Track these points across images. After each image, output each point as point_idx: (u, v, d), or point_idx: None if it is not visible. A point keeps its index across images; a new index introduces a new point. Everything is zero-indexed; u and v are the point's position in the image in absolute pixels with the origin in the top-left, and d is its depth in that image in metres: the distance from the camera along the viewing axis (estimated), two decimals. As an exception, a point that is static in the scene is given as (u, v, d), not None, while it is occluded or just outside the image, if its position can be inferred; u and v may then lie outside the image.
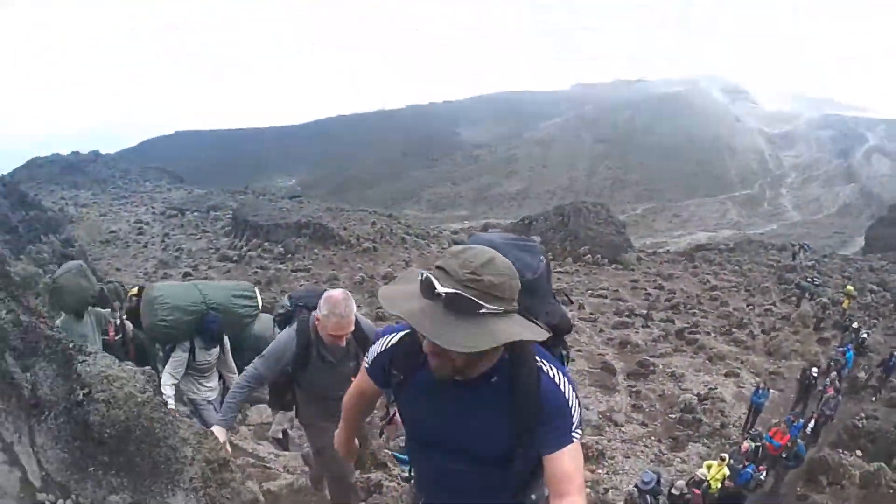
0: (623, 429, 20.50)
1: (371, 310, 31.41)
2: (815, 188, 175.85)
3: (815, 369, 22.43)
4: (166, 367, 6.73)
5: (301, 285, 38.22)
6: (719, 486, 14.40)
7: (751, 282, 47.27)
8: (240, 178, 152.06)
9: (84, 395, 3.78)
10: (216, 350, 7.02)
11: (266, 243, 49.43)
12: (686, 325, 32.85)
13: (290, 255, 46.79)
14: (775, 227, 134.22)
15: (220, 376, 7.39)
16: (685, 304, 38.33)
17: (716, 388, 24.17)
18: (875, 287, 45.33)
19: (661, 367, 26.17)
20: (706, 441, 20.40)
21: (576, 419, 2.23)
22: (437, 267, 2.04)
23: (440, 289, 1.94)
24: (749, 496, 15.46)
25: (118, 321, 8.46)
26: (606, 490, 16.34)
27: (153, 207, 70.99)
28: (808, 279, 42.02)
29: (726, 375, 26.17)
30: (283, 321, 5.18)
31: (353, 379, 4.66)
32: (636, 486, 13.88)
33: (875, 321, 36.94)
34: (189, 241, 53.35)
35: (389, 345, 2.57)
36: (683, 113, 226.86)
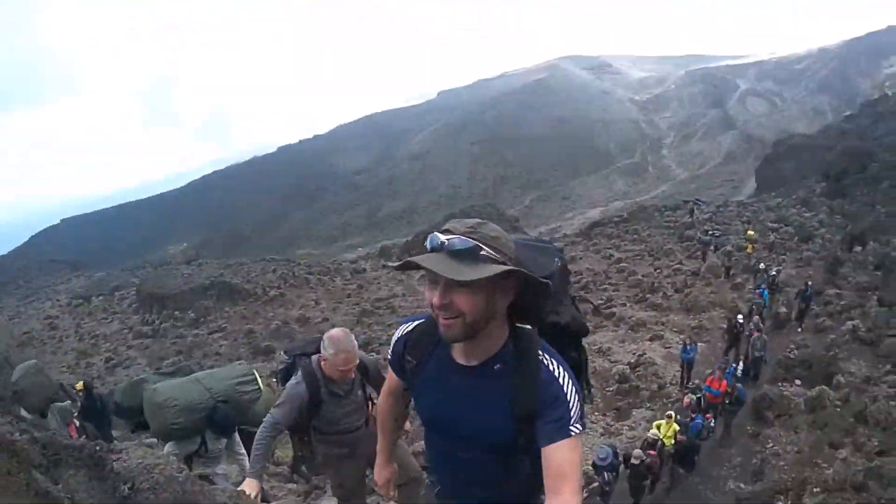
0: (566, 412, 20.83)
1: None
2: (696, 143, 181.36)
3: (739, 316, 23.35)
4: (171, 451, 6.69)
5: (221, 346, 38.66)
6: (673, 441, 14.87)
7: (653, 247, 48.88)
8: (133, 254, 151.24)
9: (129, 489, 3.98)
10: (225, 438, 7.11)
11: (177, 312, 49.23)
12: (601, 302, 33.59)
13: (202, 319, 46.72)
14: (665, 189, 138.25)
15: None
16: (594, 282, 39.39)
17: (644, 354, 24.94)
18: (775, 225, 47.13)
19: (586, 346, 26.64)
20: (648, 405, 21.18)
21: (574, 414, 2.27)
22: (443, 230, 2.21)
23: (443, 237, 2.15)
24: (703, 445, 16.01)
25: (77, 422, 8.43)
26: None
27: (58, 300, 69.48)
28: (709, 232, 43.51)
29: (651, 340, 27.05)
30: (285, 374, 5.42)
31: (365, 406, 5.42)
32: (593, 463, 14.22)
33: (783, 256, 38.71)
34: (102, 326, 52.26)
35: (405, 332, 2.72)
36: (550, 98, 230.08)
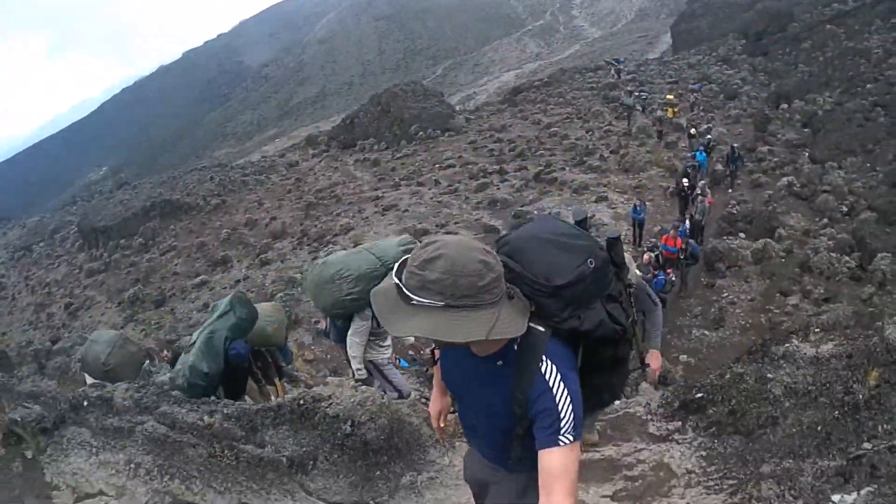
0: (527, 283, 21.85)
1: (253, 260, 32.43)
2: (607, 2, 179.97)
3: (685, 180, 23.90)
4: (350, 335, 6.87)
5: (176, 265, 38.35)
6: (640, 297, 16.07)
7: (580, 109, 49.54)
8: (57, 192, 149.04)
9: (350, 426, 5.05)
10: None
11: (123, 241, 47.86)
12: (540, 168, 34.50)
13: (151, 242, 45.76)
14: (578, 48, 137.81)
15: None
16: (529, 149, 40.12)
17: (593, 216, 25.78)
18: (696, 86, 48.21)
19: (535, 212, 27.44)
20: (606, 264, 22.14)
21: (565, 424, 2.28)
22: (401, 261, 2.33)
23: (393, 277, 2.28)
24: (666, 298, 17.38)
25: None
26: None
27: (-1, 258, 66.74)
28: (633, 94, 44.13)
29: (597, 202, 27.99)
30: None
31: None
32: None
33: (711, 115, 40.09)
34: (51, 273, 50.05)
35: None
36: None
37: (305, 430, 5.20)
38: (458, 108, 65.23)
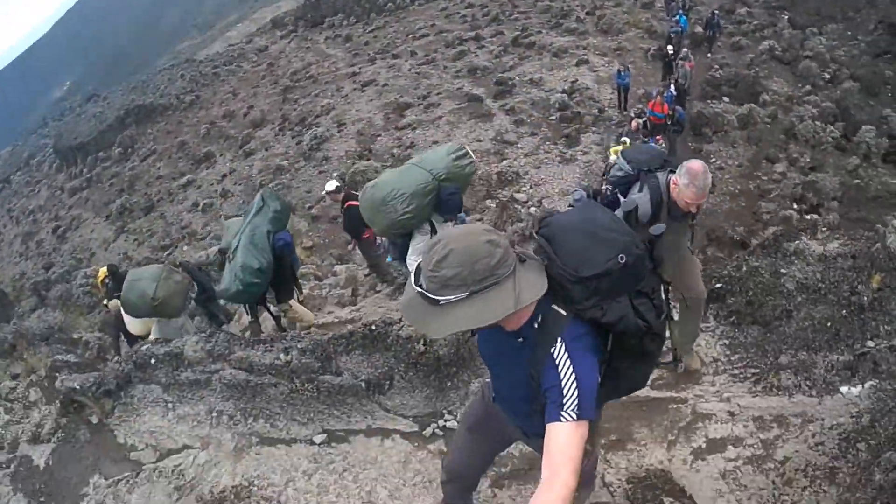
0: (518, 145, 22.49)
1: (236, 152, 32.39)
2: None
3: (669, 48, 24.25)
4: (410, 255, 6.82)
5: (159, 168, 38.15)
6: (633, 167, 16.66)
7: (551, -33, 48.61)
8: (23, 116, 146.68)
9: (423, 344, 5.53)
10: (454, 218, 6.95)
11: (101, 154, 47.35)
12: (517, 32, 34.37)
13: (130, 150, 45.22)
14: None
15: None
16: (503, 12, 39.99)
17: (576, 80, 26.34)
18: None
19: (517, 78, 27.97)
20: (594, 129, 22.74)
21: (568, 402, 2.35)
22: (416, 269, 2.41)
23: (414, 287, 2.35)
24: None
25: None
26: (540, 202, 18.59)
27: (-23, 196, 64.55)
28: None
29: (577, 65, 28.23)
30: (622, 185, 5.21)
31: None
32: (570, 206, 15.86)
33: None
34: (33, 200, 49.67)
35: None
36: None
37: (379, 352, 5.66)
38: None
